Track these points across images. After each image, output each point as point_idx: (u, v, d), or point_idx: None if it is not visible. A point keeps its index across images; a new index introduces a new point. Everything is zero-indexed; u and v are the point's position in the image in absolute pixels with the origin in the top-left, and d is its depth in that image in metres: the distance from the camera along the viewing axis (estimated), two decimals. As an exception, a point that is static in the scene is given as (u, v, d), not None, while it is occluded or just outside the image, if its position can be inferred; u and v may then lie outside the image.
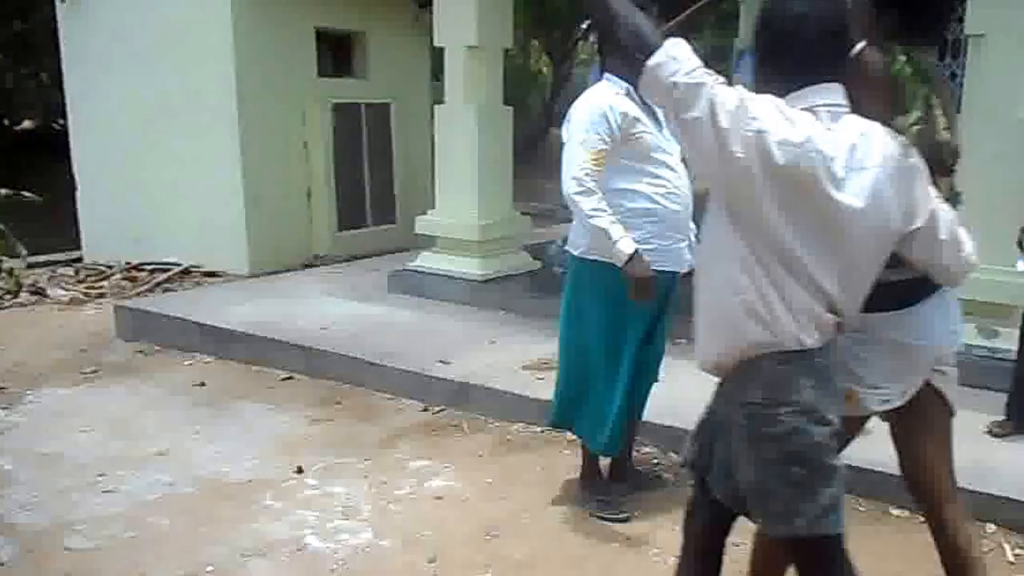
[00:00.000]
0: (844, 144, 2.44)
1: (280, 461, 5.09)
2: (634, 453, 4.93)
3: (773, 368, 2.52)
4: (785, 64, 2.53)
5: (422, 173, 10.18)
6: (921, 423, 3.08)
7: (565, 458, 5.09)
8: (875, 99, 2.69)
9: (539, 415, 5.20)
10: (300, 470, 4.96)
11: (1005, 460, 4.72)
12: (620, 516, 4.51)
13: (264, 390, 6.30)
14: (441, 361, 6.21)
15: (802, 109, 2.47)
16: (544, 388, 5.12)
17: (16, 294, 4.54)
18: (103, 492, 4.27)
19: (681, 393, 5.46)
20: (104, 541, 4.21)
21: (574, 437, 4.91)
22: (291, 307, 7.64)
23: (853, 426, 2.97)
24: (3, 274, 4.06)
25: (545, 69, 24.21)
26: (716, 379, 2.74)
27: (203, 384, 6.39)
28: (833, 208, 2.42)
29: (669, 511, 4.48)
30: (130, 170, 9.67)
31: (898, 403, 2.97)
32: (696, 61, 2.46)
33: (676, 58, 2.46)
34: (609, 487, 4.64)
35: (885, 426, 3.17)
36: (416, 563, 4.03)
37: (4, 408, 5.91)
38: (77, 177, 10.31)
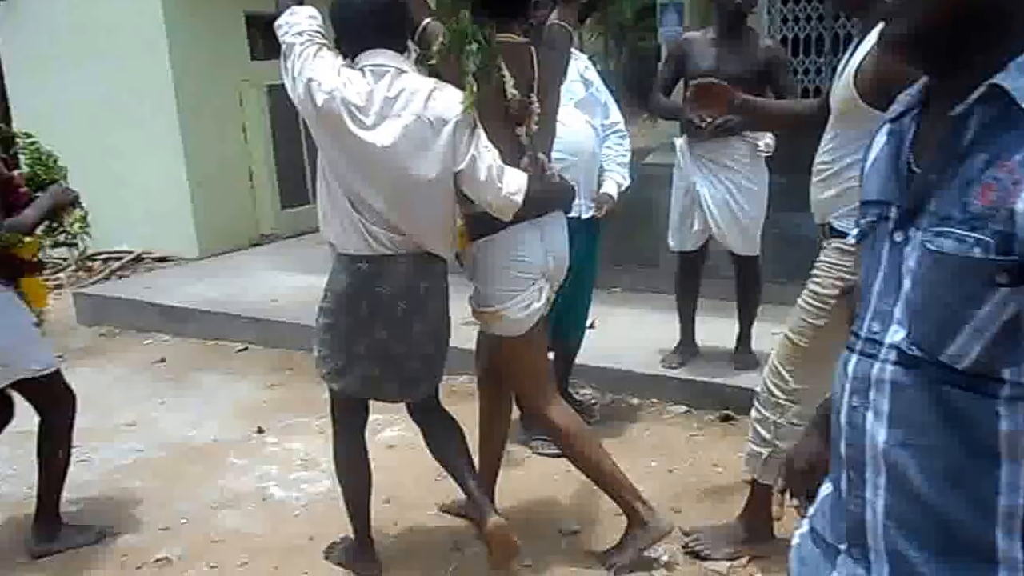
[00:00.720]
0: (378, 96, 3.22)
1: (241, 424, 5.46)
2: (573, 394, 5.34)
3: (334, 262, 3.47)
4: (346, 37, 3.35)
5: (359, 148, 10.39)
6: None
7: (507, 404, 5.45)
8: (445, 66, 3.41)
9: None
10: (261, 430, 5.34)
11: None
12: (559, 451, 4.88)
13: (221, 362, 6.66)
14: (388, 323, 6.53)
15: (357, 69, 3.27)
16: (484, 340, 5.45)
17: (84, 268, 4.73)
18: (79, 461, 4.54)
19: (616, 338, 5.89)
20: (84, 504, 4.56)
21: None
22: (242, 283, 7.94)
23: (537, 334, 3.70)
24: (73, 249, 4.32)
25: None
26: None
27: (163, 360, 6.72)
28: (361, 144, 3.22)
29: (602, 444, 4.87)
30: (76, 166, 9.61)
31: (539, 305, 3.63)
32: (306, 25, 3.34)
33: (289, 21, 3.35)
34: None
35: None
36: (372, 504, 4.38)
37: (-26, 394, 6.20)
38: (24, 177, 10.37)
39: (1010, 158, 1.30)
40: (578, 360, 5.34)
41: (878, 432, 1.44)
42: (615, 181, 4.88)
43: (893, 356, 1.42)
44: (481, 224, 3.52)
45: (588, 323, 5.33)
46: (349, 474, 3.83)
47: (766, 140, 5.26)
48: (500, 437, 4.15)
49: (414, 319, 3.44)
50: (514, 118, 3.51)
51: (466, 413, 4.08)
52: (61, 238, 4.23)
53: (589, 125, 4.72)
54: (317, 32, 3.35)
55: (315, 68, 3.25)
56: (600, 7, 7.12)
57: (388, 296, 3.37)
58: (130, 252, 9.65)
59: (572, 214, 4.57)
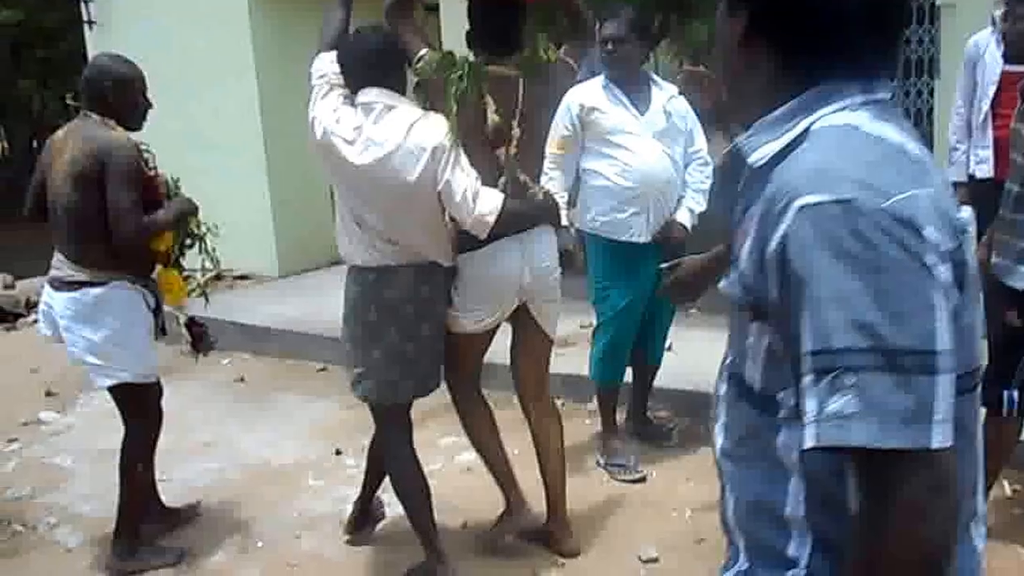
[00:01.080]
0: (366, 130, 3.59)
1: (319, 445, 5.48)
2: (651, 417, 5.31)
3: (347, 274, 3.86)
4: (346, 77, 3.71)
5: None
6: (521, 342, 4.21)
7: (585, 428, 5.41)
8: (433, 93, 3.81)
9: (561, 389, 5.49)
10: (338, 452, 5.35)
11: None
12: (637, 477, 4.84)
13: (300, 381, 6.69)
14: (465, 344, 6.52)
15: (353, 105, 3.66)
16: (564, 363, 5.43)
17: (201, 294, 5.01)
18: (157, 481, 4.58)
19: (694, 360, 5.79)
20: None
21: (594, 407, 5.26)
22: (321, 302, 7.93)
23: (479, 340, 4.05)
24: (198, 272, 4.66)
25: (552, 55, 25.04)
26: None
27: (243, 379, 6.77)
28: (351, 168, 3.61)
29: (682, 470, 4.81)
30: (160, 183, 9.95)
31: (490, 321, 3.97)
32: (327, 68, 3.76)
33: (316, 67, 3.82)
34: (626, 449, 4.98)
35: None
36: (451, 528, 4.36)
37: (58, 412, 6.31)
38: (109, 196, 10.57)
39: (747, 210, 1.49)
40: (656, 383, 5.30)
41: (718, 440, 1.66)
42: (688, 208, 4.86)
43: (726, 375, 1.64)
44: (465, 239, 3.79)
45: (666, 345, 5.28)
46: (404, 484, 4.00)
47: None
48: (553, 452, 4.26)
49: (422, 322, 3.79)
50: (492, 142, 3.82)
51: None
52: (188, 242, 4.50)
53: (666, 155, 4.76)
54: (336, 74, 3.75)
55: (318, 107, 3.74)
56: (671, 32, 7.12)
57: (396, 300, 3.74)
58: (210, 270, 9.74)
59: (635, 239, 4.72)
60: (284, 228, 9.61)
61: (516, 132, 3.84)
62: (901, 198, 1.30)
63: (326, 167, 3.80)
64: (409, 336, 3.78)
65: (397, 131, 3.58)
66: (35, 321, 8.46)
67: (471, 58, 3.83)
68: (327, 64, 3.79)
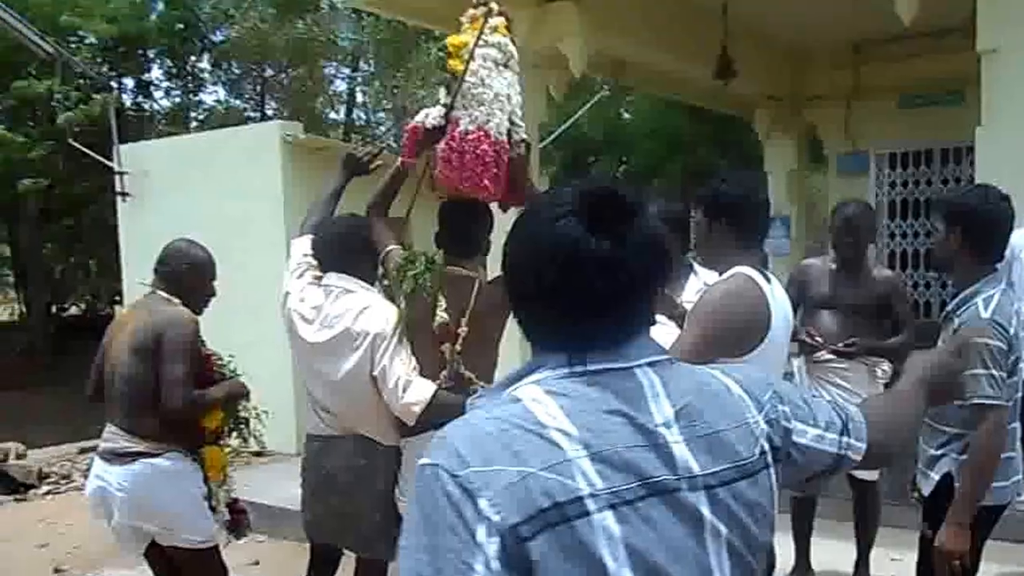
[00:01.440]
0: (325, 310, 4.06)
1: (337, 638, 5.18)
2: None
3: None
4: (317, 260, 4.24)
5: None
6: None
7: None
8: (394, 286, 4.15)
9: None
10: (358, 646, 5.06)
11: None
12: None
13: (318, 567, 6.38)
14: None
15: (320, 286, 4.15)
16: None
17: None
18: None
19: None
20: None
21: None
22: (341, 484, 7.76)
23: None
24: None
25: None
26: None
27: (257, 563, 6.55)
28: (305, 344, 4.10)
29: None
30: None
31: None
32: (301, 260, 4.30)
33: (294, 248, 4.39)
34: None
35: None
36: None
37: (65, 592, 6.09)
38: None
39: None
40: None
41: None
42: None
43: None
44: (406, 425, 3.98)
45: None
46: None
47: (883, 367, 5.26)
48: None
49: (359, 491, 4.05)
50: (438, 337, 4.04)
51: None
52: (231, 424, 4.69)
53: None
54: (305, 259, 4.29)
55: (291, 284, 4.26)
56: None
57: (332, 470, 4.11)
58: (228, 446, 9.58)
59: None
60: (305, 405, 9.45)
61: (464, 330, 4.01)
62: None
63: (288, 337, 4.22)
64: (347, 502, 4.09)
65: (348, 315, 3.99)
66: (46, 493, 8.33)
67: (437, 257, 4.12)
68: (297, 253, 4.33)
